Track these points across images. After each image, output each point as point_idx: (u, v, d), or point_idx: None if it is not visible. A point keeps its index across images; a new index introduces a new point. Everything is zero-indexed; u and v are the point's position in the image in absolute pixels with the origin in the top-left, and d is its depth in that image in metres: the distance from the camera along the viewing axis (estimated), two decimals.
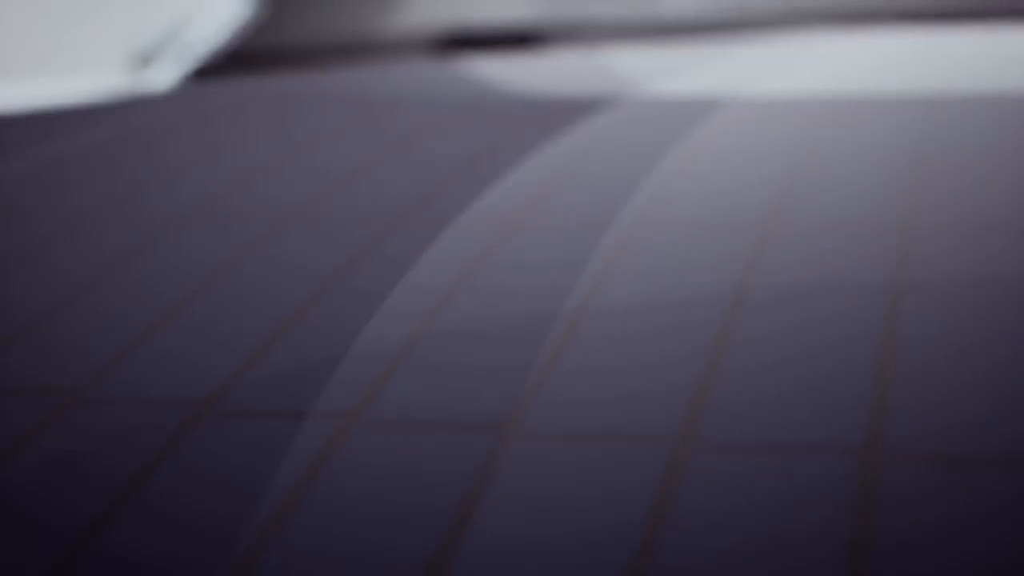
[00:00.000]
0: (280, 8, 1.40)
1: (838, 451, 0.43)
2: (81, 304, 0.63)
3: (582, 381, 0.50)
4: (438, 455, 0.45)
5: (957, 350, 0.49)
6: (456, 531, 0.41)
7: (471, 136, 0.88)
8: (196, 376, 0.53)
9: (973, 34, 1.05)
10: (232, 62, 1.32)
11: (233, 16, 1.39)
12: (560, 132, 0.88)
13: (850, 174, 0.71)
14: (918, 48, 1.02)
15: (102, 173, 0.84)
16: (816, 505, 0.40)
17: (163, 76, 1.31)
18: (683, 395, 0.48)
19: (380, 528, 0.41)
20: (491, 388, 0.50)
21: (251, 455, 0.46)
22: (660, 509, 0.41)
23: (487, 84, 1.04)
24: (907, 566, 0.37)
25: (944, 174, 0.69)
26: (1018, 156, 0.72)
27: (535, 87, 1.03)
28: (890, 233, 0.62)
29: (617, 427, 0.46)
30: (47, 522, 0.44)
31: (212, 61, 1.32)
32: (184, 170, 0.82)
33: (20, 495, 0.45)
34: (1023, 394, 0.46)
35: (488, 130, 0.91)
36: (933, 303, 0.54)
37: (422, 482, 0.44)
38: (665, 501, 0.41)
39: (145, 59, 1.51)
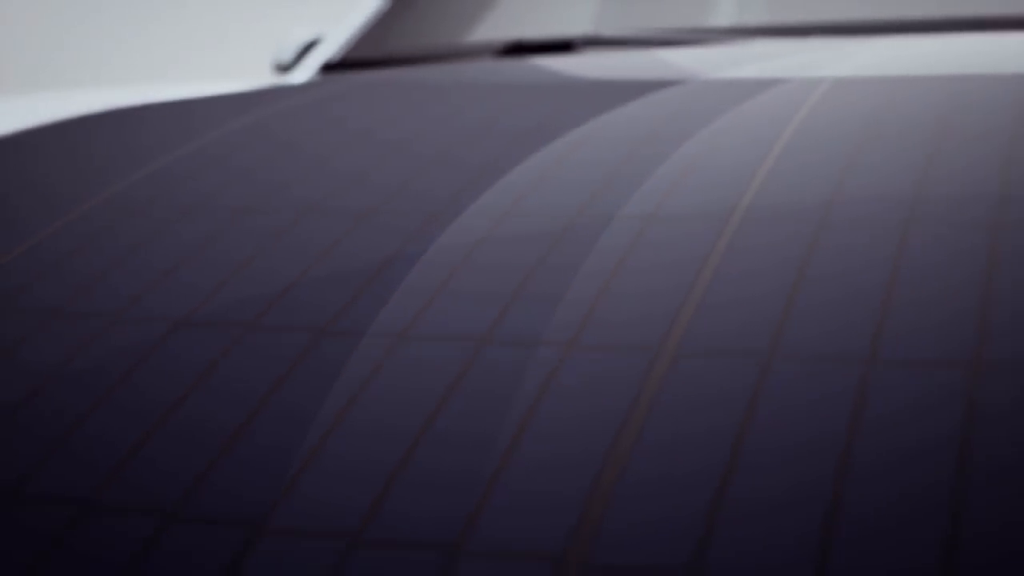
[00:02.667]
0: (387, 26, 1.60)
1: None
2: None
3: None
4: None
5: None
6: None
7: (546, 107, 0.98)
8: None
9: (975, 38, 1.17)
10: (351, 64, 1.54)
11: (351, 32, 1.62)
12: (626, 102, 0.97)
13: (892, 118, 0.86)
14: (933, 47, 1.11)
15: (273, 135, 1.00)
16: None
17: (299, 76, 1.56)
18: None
19: None
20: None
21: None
22: None
23: (551, 72, 1.15)
24: None
25: (960, 121, 0.85)
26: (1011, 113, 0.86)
27: (602, 74, 1.10)
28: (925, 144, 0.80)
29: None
30: None
31: (336, 63, 1.55)
32: (322, 128, 0.99)
33: None
34: None
35: (559, 103, 1.00)
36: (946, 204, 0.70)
37: None
38: None
39: (286, 64, 1.79)
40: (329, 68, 1.56)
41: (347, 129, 1.00)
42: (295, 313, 0.68)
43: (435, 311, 0.65)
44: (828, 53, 1.13)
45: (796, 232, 0.70)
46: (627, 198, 0.77)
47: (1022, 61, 1.02)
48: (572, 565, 0.47)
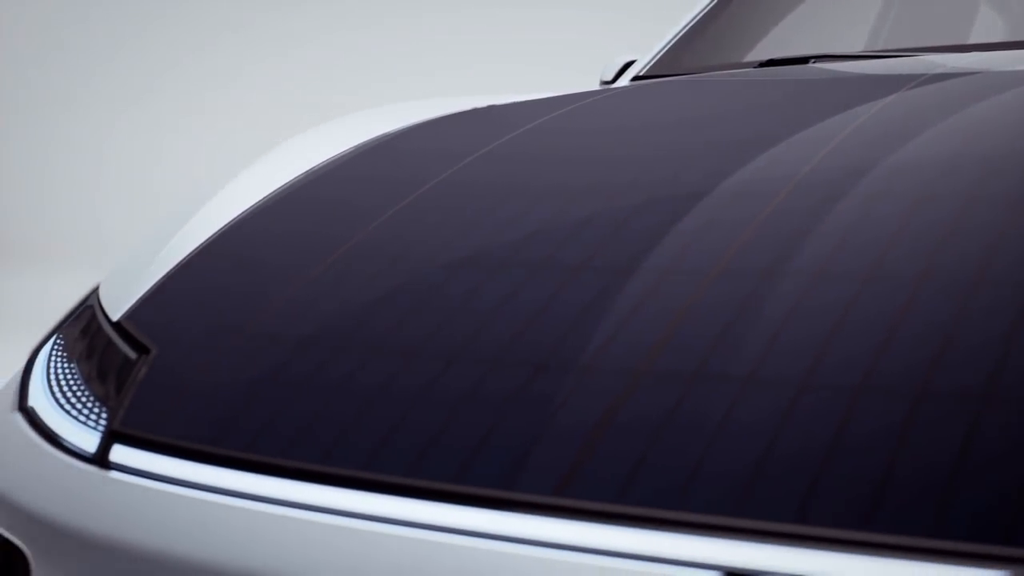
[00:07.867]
0: (680, 50, 1.96)
1: None
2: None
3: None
4: None
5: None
6: None
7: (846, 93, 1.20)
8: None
9: None
10: (653, 76, 1.93)
11: (653, 55, 2.01)
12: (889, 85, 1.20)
13: None
14: None
15: (604, 111, 1.24)
16: None
17: (620, 84, 1.98)
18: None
19: None
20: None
21: None
22: None
23: (796, 72, 1.39)
24: None
25: None
26: None
27: (859, 70, 1.30)
28: None
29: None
30: None
31: (642, 76, 1.96)
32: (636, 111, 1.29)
33: None
34: None
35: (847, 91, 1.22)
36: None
37: None
38: None
39: (609, 80, 2.20)
40: (637, 79, 1.97)
41: (651, 106, 1.30)
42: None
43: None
44: None
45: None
46: (891, 152, 0.98)
47: None
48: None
